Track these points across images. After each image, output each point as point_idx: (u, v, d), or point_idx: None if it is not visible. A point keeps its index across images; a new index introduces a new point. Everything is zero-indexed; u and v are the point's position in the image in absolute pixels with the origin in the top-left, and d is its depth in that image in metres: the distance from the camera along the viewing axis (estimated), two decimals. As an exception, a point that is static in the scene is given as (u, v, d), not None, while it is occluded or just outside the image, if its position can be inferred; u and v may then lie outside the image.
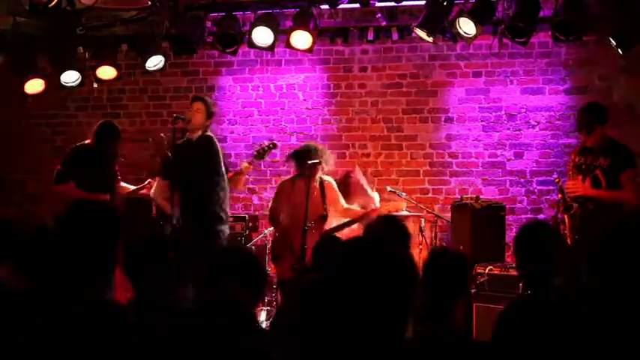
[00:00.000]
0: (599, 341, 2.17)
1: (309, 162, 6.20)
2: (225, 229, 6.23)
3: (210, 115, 6.19)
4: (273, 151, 7.20)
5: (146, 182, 6.79)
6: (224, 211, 6.19)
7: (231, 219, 7.53)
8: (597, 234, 2.18)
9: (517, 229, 6.82)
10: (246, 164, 6.83)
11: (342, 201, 6.53)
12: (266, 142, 7.07)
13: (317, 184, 6.37)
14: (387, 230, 3.63)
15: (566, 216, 5.81)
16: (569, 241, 5.65)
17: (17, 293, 2.71)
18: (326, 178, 6.52)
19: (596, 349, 2.18)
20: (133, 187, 6.90)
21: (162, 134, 6.49)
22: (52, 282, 2.58)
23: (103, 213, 2.75)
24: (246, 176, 7.43)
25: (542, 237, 3.26)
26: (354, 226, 6.77)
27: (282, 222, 6.44)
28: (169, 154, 6.12)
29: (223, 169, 6.23)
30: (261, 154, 6.87)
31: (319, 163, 6.24)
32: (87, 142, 6.74)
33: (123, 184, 6.97)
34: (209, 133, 6.26)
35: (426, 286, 3.09)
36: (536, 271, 3.15)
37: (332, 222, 6.47)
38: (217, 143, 6.23)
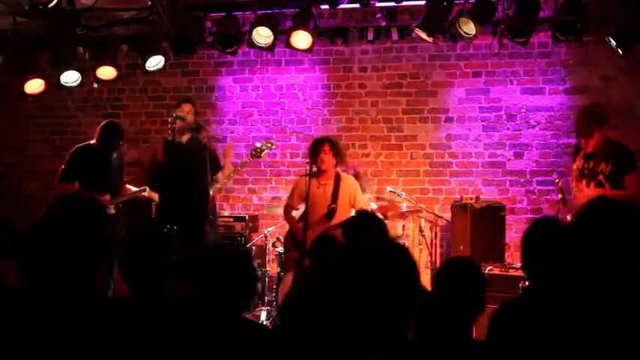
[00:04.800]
0: (596, 341, 2.17)
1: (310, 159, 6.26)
2: (208, 223, 6.30)
3: (195, 114, 6.37)
4: (273, 151, 7.22)
5: (143, 188, 6.78)
6: (210, 209, 6.30)
7: (231, 219, 7.57)
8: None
9: (517, 229, 6.84)
10: (239, 168, 6.90)
11: (361, 200, 6.44)
12: (262, 142, 7.05)
13: (332, 181, 6.35)
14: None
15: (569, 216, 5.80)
16: None
17: (17, 291, 2.71)
18: (344, 174, 6.51)
19: (593, 349, 2.18)
20: (135, 189, 6.89)
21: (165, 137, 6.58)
22: (51, 279, 2.58)
23: (84, 203, 2.74)
24: (245, 175, 7.44)
25: (553, 234, 3.22)
26: None
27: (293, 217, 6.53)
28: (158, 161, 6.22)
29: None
30: (258, 153, 6.87)
31: (314, 162, 6.25)
32: (91, 142, 6.74)
33: (128, 185, 6.96)
34: (197, 136, 6.45)
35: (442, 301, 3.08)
36: (543, 270, 3.12)
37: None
38: (207, 143, 6.41)
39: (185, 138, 6.39)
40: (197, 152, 6.27)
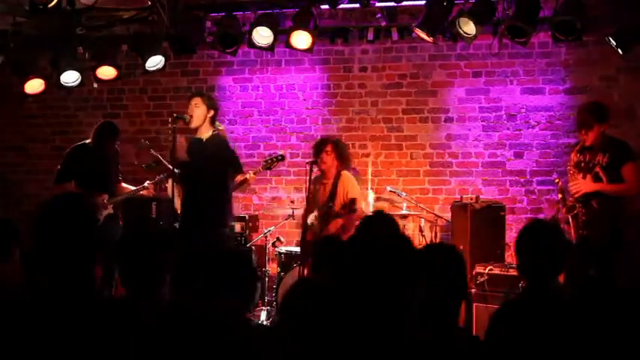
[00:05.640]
0: (597, 339, 2.18)
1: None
2: (226, 231, 6.17)
3: (210, 107, 6.11)
4: (273, 151, 7.20)
5: (145, 184, 6.77)
6: (228, 213, 6.14)
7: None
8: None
9: (517, 229, 6.82)
10: (251, 174, 6.83)
11: (354, 192, 6.48)
12: (274, 155, 7.07)
13: (331, 181, 6.41)
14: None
15: (570, 216, 5.79)
16: (574, 240, 5.64)
17: (17, 291, 2.71)
18: (344, 172, 6.53)
19: (592, 348, 2.18)
20: (132, 188, 6.90)
21: (145, 141, 6.57)
22: (48, 279, 2.58)
23: (70, 202, 2.75)
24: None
25: (545, 235, 3.23)
26: None
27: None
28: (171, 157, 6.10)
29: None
30: (268, 164, 6.87)
31: (314, 162, 6.28)
32: (87, 141, 6.77)
33: (124, 184, 6.98)
34: (220, 132, 6.20)
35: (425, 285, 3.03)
36: (538, 271, 3.13)
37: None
38: (230, 144, 6.16)
39: (206, 135, 6.13)
40: (214, 151, 6.06)
